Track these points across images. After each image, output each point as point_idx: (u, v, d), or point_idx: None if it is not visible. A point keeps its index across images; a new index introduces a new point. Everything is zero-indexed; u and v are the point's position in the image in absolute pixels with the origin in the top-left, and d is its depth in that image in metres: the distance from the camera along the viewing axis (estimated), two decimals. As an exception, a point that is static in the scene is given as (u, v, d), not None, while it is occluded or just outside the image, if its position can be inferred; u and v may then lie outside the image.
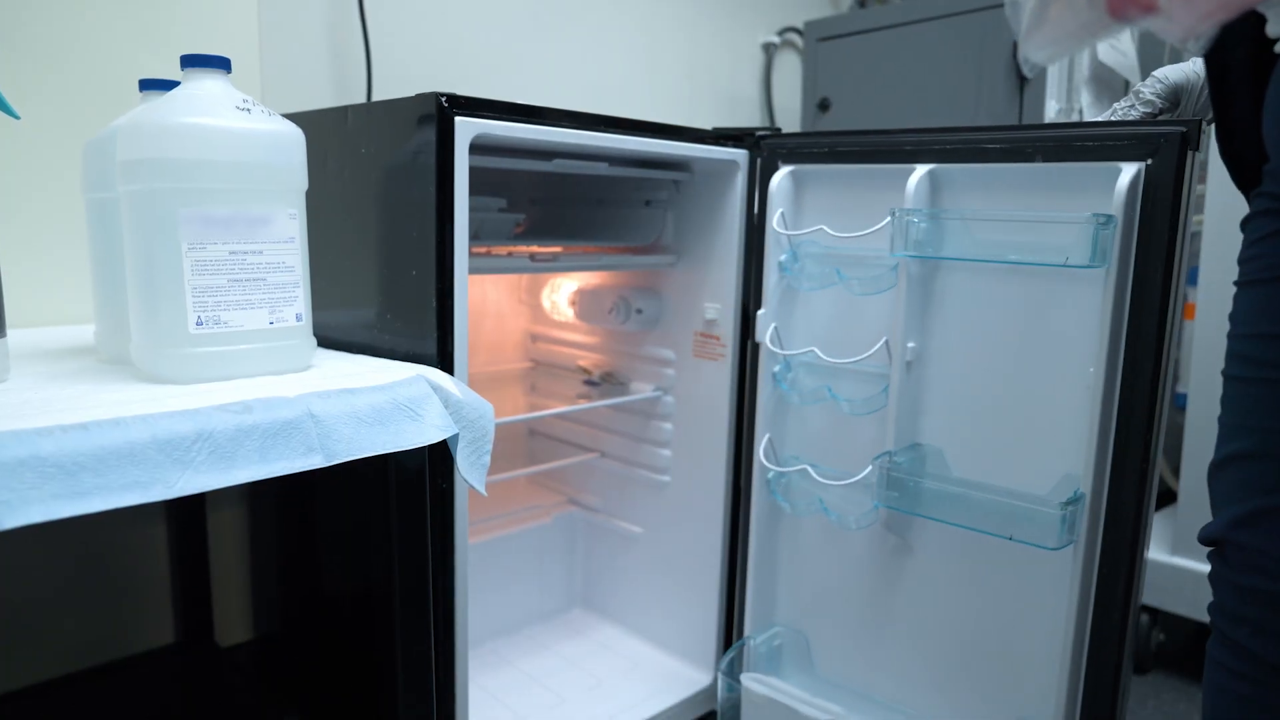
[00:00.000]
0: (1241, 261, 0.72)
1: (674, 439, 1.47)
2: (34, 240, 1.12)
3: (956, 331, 1.10)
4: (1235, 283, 0.73)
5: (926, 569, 1.16)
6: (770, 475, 1.26)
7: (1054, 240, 0.98)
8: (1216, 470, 0.74)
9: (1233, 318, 0.73)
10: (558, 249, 1.31)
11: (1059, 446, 1.02)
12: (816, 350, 1.17)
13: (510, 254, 1.26)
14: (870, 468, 1.12)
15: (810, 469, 1.20)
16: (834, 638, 1.27)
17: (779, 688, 1.25)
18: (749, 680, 1.27)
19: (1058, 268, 0.99)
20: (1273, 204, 0.67)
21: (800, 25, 2.05)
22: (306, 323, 0.83)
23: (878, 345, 1.12)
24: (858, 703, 1.22)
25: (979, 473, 1.09)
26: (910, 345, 1.12)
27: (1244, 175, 0.76)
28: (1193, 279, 1.59)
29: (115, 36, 1.16)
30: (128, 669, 1.24)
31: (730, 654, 1.31)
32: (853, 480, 1.14)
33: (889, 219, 1.08)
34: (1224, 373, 0.74)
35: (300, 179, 0.81)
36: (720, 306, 1.35)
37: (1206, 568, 0.76)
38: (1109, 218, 0.93)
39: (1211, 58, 0.77)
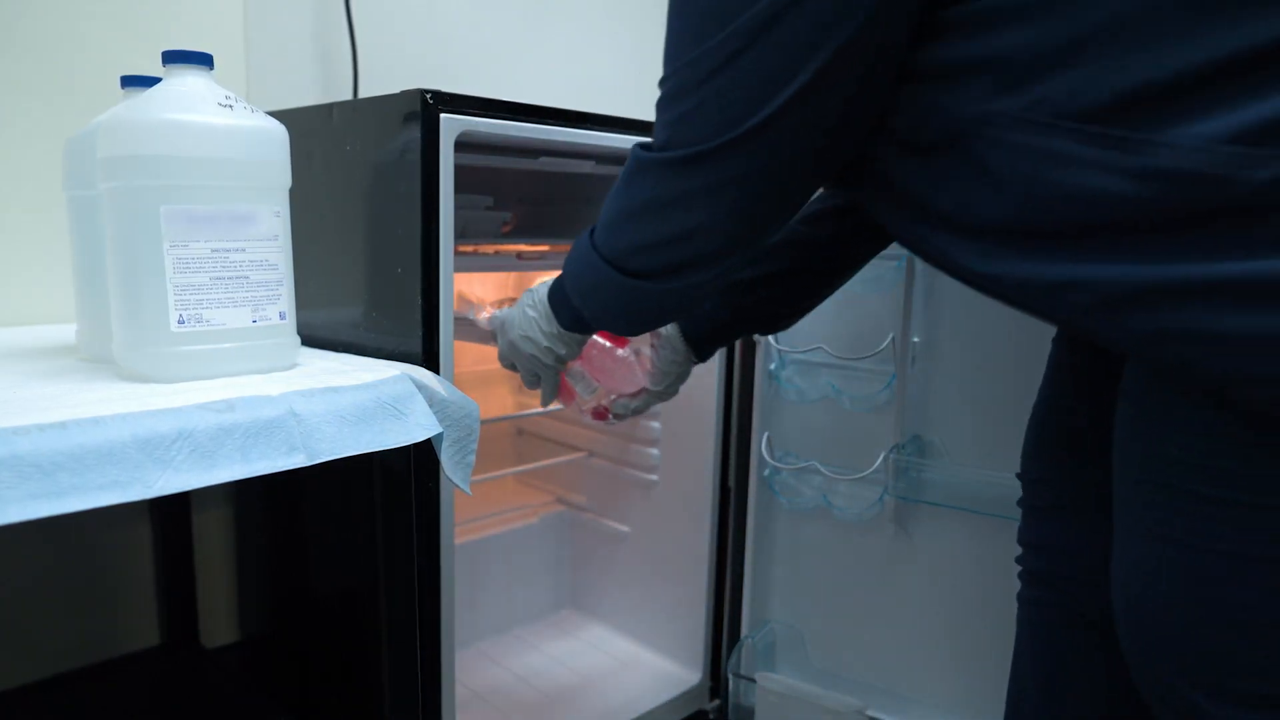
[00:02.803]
0: None
1: (662, 437, 1.47)
2: (15, 238, 1.11)
3: (958, 326, 1.13)
4: None
5: (930, 558, 1.18)
6: (767, 472, 1.26)
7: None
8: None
9: None
10: (545, 247, 1.31)
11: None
12: (824, 347, 1.18)
13: (497, 252, 1.25)
14: (879, 461, 1.14)
15: (818, 464, 1.21)
16: (831, 630, 1.28)
17: (795, 684, 1.25)
18: (763, 678, 1.27)
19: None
20: None
21: (788, 24, 2.05)
22: (290, 321, 0.82)
23: (886, 342, 1.14)
24: (866, 692, 1.23)
25: (980, 461, 1.12)
26: (915, 340, 1.15)
27: None
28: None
29: (99, 33, 1.15)
30: (111, 671, 1.23)
31: (735, 653, 1.31)
32: (863, 474, 1.16)
33: None
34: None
35: (284, 176, 0.81)
36: (708, 305, 1.35)
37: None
38: None
39: None
